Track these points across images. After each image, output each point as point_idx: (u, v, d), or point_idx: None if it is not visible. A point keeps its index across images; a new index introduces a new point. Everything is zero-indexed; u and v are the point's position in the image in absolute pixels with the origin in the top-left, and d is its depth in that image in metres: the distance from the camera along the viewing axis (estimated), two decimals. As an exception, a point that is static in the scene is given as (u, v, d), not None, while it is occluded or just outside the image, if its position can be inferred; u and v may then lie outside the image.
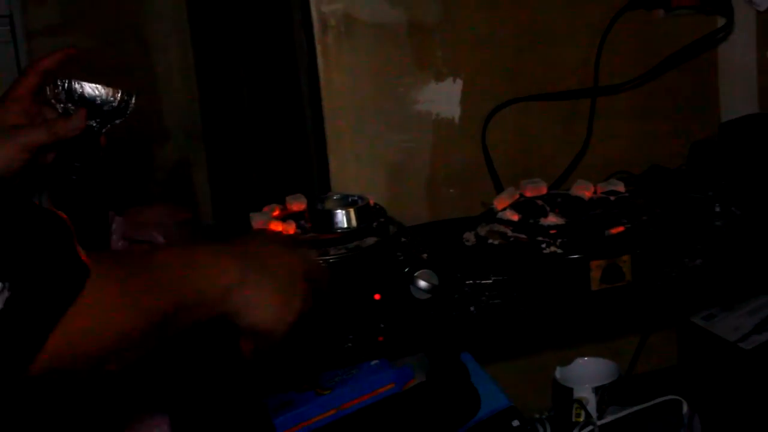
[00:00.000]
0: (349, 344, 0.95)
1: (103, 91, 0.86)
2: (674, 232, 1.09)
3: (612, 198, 1.12)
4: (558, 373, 1.29)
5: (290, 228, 1.02)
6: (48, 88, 0.86)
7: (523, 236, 1.06)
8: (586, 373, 1.29)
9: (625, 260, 1.02)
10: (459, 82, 1.31)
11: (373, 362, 1.14)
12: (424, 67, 1.29)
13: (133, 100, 0.88)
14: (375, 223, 1.03)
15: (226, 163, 1.69)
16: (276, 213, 1.08)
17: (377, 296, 0.97)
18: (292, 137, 1.40)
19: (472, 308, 1.00)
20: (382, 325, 0.97)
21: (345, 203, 1.05)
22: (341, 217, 1.01)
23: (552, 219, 1.07)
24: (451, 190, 1.34)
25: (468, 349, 1.23)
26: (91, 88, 0.86)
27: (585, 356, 1.33)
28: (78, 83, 0.86)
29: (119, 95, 0.87)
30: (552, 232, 1.05)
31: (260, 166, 1.51)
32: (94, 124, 0.86)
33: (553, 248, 1.03)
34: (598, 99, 1.35)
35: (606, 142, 1.38)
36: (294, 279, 0.73)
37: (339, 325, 0.96)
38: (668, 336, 1.46)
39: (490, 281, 1.05)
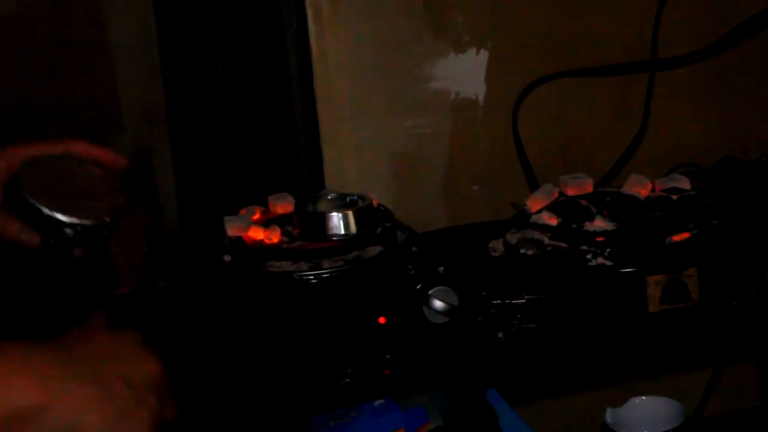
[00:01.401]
0: (347, 380, 0.95)
1: (65, 218, 0.88)
2: (753, 239, 1.09)
3: (674, 197, 1.12)
4: (608, 416, 1.29)
5: (274, 235, 1.03)
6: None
7: (564, 245, 1.06)
8: (643, 417, 1.28)
9: (690, 275, 1.02)
10: (484, 54, 1.32)
11: (377, 402, 1.14)
12: (440, 36, 1.30)
13: (109, 230, 0.90)
14: (379, 229, 1.03)
15: (196, 154, 1.69)
16: (256, 217, 1.08)
17: (382, 320, 0.97)
18: (277, 123, 1.40)
19: (500, 335, 1.01)
20: (388, 356, 0.97)
21: (342, 204, 1.05)
22: (337, 221, 1.01)
23: (599, 223, 1.08)
24: (473, 188, 1.35)
25: (495, 386, 1.23)
26: (50, 210, 0.88)
27: (642, 395, 1.32)
28: (38, 202, 0.88)
29: (88, 222, 0.89)
30: (599, 239, 1.05)
31: (238, 158, 1.51)
32: (55, 247, 0.89)
33: (600, 260, 1.03)
34: (657, 75, 1.35)
35: (667, 128, 1.39)
36: (141, 396, 0.64)
37: (334, 355, 0.97)
38: (747, 370, 1.46)
39: (523, 301, 1.05)
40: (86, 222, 0.89)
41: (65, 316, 1.00)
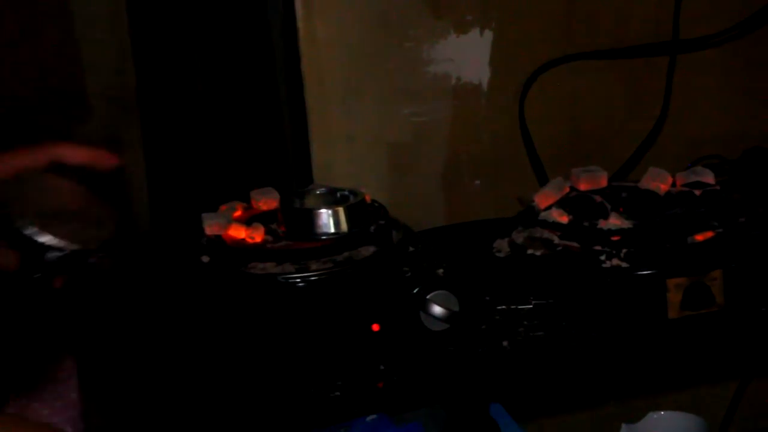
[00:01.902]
0: (337, 393, 0.94)
1: (49, 238, 0.88)
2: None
3: (697, 192, 1.12)
4: (625, 431, 1.29)
5: (256, 234, 1.02)
6: None
7: (576, 245, 1.06)
8: (662, 432, 1.29)
9: (715, 278, 1.02)
10: (488, 35, 1.31)
11: (370, 417, 1.14)
12: (441, 14, 1.30)
13: (97, 257, 0.89)
14: (373, 227, 1.03)
15: (171, 143, 1.68)
16: (238, 213, 1.08)
17: (376, 327, 0.97)
18: (260, 110, 1.40)
19: (505, 343, 1.00)
20: (382, 367, 0.97)
21: (332, 200, 1.05)
22: (326, 218, 1.01)
23: (614, 221, 1.07)
24: (476, 182, 1.35)
25: (499, 400, 1.24)
26: (32, 233, 0.87)
27: (661, 409, 1.33)
28: (25, 224, 0.87)
29: (74, 247, 0.88)
30: (614, 239, 1.05)
31: (217, 148, 1.51)
32: (35, 273, 0.88)
33: (616, 261, 1.03)
34: (678, 57, 1.35)
35: (689, 116, 1.39)
36: None
37: (323, 366, 0.96)
38: (775, 382, 1.47)
39: (530, 306, 1.05)
40: (73, 246, 0.88)
41: (36, 361, 1.00)
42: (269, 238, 1.03)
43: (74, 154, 0.90)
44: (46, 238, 0.87)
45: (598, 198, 1.11)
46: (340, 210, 1.01)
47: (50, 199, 0.89)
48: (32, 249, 0.87)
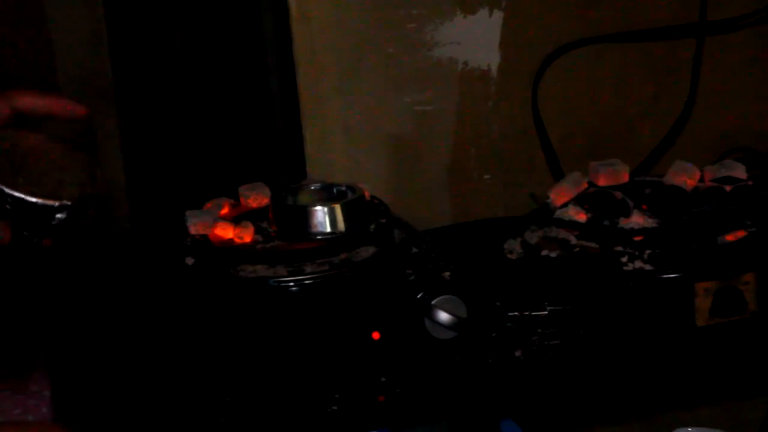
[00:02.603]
0: (334, 407, 0.95)
1: (34, 200, 0.88)
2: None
3: (727, 188, 1.12)
4: (647, 450, 1.29)
5: (245, 233, 1.03)
6: None
7: (594, 245, 1.07)
8: (690, 452, 1.29)
9: (747, 281, 1.03)
10: (498, 15, 1.32)
11: (370, 434, 1.14)
12: (446, -8, 1.30)
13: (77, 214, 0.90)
14: (372, 226, 1.03)
15: (151, 133, 1.68)
16: (225, 211, 1.09)
17: (376, 335, 0.97)
18: (249, 98, 1.40)
19: (517, 353, 1.01)
20: (383, 379, 0.97)
21: (327, 196, 1.05)
22: (322, 216, 1.01)
23: (637, 219, 1.08)
24: (485, 177, 1.35)
25: (511, 415, 1.23)
26: (19, 195, 0.88)
27: (689, 425, 1.32)
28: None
29: (57, 204, 0.89)
30: (637, 239, 1.05)
31: (202, 140, 1.51)
32: (26, 233, 0.89)
33: (638, 263, 1.03)
34: (706, 39, 1.35)
35: (718, 104, 1.39)
36: None
37: (319, 378, 0.97)
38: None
39: (545, 313, 1.06)
40: (65, 202, 0.88)
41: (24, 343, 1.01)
42: (259, 237, 1.03)
43: (38, 103, 0.91)
44: (27, 196, 0.88)
45: (618, 194, 1.11)
46: (337, 207, 1.01)
47: (21, 153, 0.90)
48: (18, 207, 0.87)
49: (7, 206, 0.87)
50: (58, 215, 0.88)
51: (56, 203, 0.87)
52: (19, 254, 0.89)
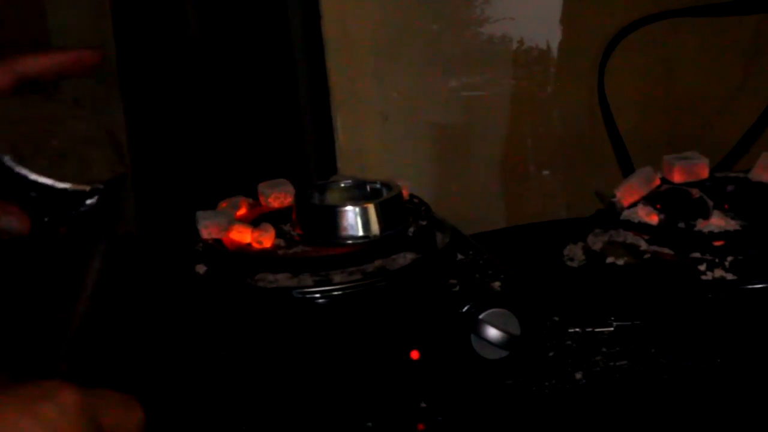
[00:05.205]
0: (368, 436, 0.96)
1: (63, 186, 0.89)
2: None
3: (824, 186, 1.12)
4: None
5: (265, 237, 1.02)
6: None
7: (668, 251, 1.06)
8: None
9: None
10: (558, -13, 1.32)
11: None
12: (498, -39, 1.30)
13: (98, 197, 0.90)
14: (411, 229, 1.03)
15: (159, 123, 1.69)
16: (242, 212, 1.09)
17: (415, 354, 0.97)
18: (271, 82, 1.40)
19: (578, 375, 1.00)
20: (423, 404, 0.97)
21: (360, 195, 1.05)
22: (353, 217, 1.01)
23: (717, 222, 1.07)
24: (543, 173, 1.35)
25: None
26: (45, 181, 0.88)
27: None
28: (19, 166, 0.88)
29: (89, 189, 0.89)
30: (717, 244, 1.05)
31: (217, 129, 1.52)
32: (46, 220, 0.89)
33: (719, 272, 1.03)
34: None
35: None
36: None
37: (349, 403, 0.96)
38: None
39: (611, 329, 1.05)
40: (97, 185, 0.86)
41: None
42: (281, 242, 1.03)
43: (45, 63, 0.90)
44: (55, 182, 0.87)
45: (696, 192, 1.11)
46: (371, 207, 1.01)
47: (34, 125, 0.90)
48: (44, 195, 0.86)
49: (32, 194, 0.86)
50: (88, 201, 0.87)
51: (87, 188, 0.86)
52: (34, 243, 0.89)
